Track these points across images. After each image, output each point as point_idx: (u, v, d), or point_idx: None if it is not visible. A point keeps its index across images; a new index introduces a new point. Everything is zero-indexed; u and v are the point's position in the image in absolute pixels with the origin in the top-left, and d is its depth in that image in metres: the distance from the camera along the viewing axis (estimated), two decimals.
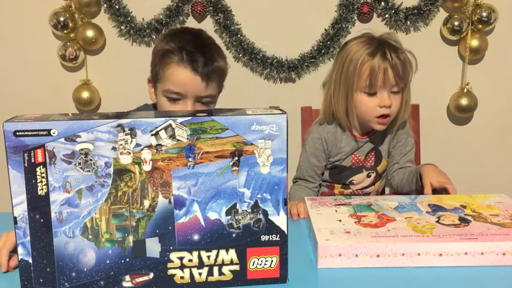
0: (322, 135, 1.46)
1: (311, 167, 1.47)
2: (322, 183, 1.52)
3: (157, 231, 0.81)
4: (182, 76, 1.19)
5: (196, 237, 0.82)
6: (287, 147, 0.81)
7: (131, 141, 0.77)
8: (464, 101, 2.10)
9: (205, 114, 0.80)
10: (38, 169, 0.76)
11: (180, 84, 1.19)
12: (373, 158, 1.47)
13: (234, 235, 0.83)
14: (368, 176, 1.48)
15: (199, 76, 1.18)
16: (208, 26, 2.11)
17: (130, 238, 0.81)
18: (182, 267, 0.83)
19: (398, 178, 1.46)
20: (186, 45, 1.20)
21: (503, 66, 2.16)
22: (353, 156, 1.46)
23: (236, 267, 0.84)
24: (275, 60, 2.10)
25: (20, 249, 0.79)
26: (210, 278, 0.84)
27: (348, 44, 1.41)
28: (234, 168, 0.80)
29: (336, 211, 1.07)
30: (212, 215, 0.81)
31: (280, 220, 0.83)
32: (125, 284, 0.82)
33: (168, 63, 1.20)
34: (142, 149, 0.78)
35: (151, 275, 0.82)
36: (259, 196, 0.82)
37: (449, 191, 1.24)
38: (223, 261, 0.84)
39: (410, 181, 1.39)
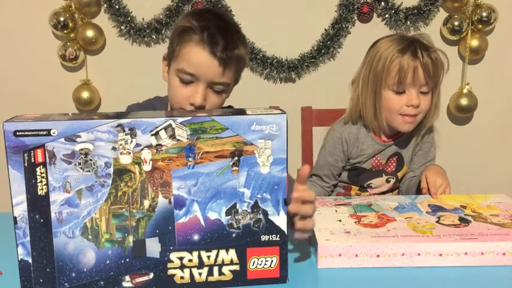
0: (344, 135, 1.43)
1: (327, 166, 1.45)
2: (339, 183, 1.50)
3: (157, 231, 0.81)
4: (199, 57, 1.11)
5: (196, 237, 0.82)
6: (287, 147, 0.81)
7: (131, 141, 0.77)
8: (464, 101, 2.10)
9: (205, 114, 0.80)
10: (38, 169, 0.76)
11: (196, 65, 1.12)
12: (394, 163, 1.44)
13: (234, 235, 0.83)
14: (387, 181, 1.45)
15: (217, 60, 1.11)
16: None
17: (130, 238, 0.81)
18: (182, 267, 0.83)
19: (407, 183, 1.44)
20: (208, 25, 1.13)
21: (503, 66, 2.16)
22: (374, 159, 1.43)
23: (236, 267, 0.84)
24: (275, 60, 2.10)
25: (19, 249, 0.79)
26: (210, 278, 0.84)
27: (378, 42, 1.38)
28: (234, 168, 0.80)
29: (336, 211, 1.07)
30: (212, 215, 0.81)
31: (280, 220, 0.83)
32: (124, 284, 0.82)
33: (186, 41, 1.13)
34: (142, 149, 0.78)
35: (151, 275, 0.82)
36: (259, 196, 0.82)
37: (432, 193, 1.20)
38: (223, 261, 0.83)
39: (413, 184, 1.39)
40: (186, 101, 1.14)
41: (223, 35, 1.12)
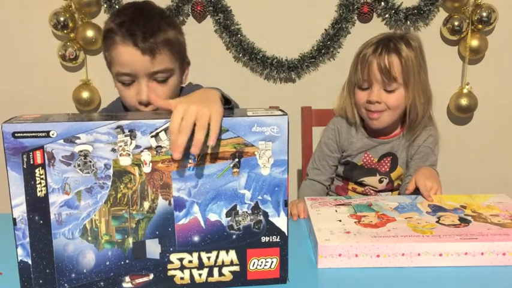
0: (337, 125, 1.48)
1: (323, 156, 1.49)
2: (338, 177, 1.53)
3: (157, 232, 0.81)
4: (126, 54, 1.10)
5: (196, 238, 0.82)
6: (288, 148, 0.81)
7: (131, 143, 0.77)
8: (464, 101, 2.10)
9: None
10: (37, 170, 0.76)
11: (127, 64, 1.11)
12: (388, 164, 1.44)
13: (234, 236, 0.83)
14: (380, 181, 1.46)
15: (141, 50, 1.09)
16: (208, 26, 2.11)
17: (130, 240, 0.81)
18: (182, 268, 0.83)
19: (403, 185, 1.44)
20: (124, 20, 1.12)
21: (503, 66, 2.15)
22: (365, 155, 1.45)
23: (236, 268, 0.84)
24: (275, 60, 2.10)
25: (19, 251, 0.79)
26: (210, 279, 0.84)
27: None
28: (235, 169, 0.80)
29: (336, 211, 1.07)
30: (212, 217, 0.81)
31: (280, 221, 0.83)
32: (124, 284, 0.82)
33: (111, 45, 1.12)
34: (142, 151, 0.78)
35: (151, 276, 0.82)
36: (259, 197, 0.82)
37: (425, 196, 1.18)
38: (223, 262, 0.83)
39: (404, 184, 1.39)
40: (135, 102, 1.14)
41: (142, 24, 1.10)
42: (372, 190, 1.47)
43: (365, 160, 1.45)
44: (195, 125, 0.77)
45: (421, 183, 1.21)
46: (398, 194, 1.47)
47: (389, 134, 1.44)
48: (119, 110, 1.27)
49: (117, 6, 2.04)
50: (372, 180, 1.46)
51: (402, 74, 1.33)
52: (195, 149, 0.76)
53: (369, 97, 1.35)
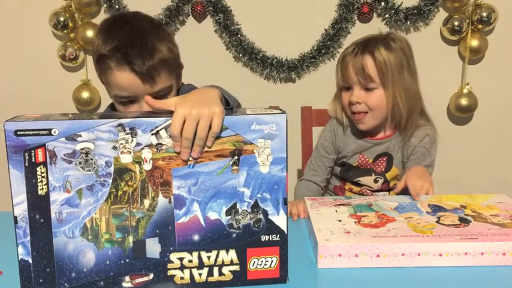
0: (334, 127, 1.50)
1: (319, 157, 1.51)
2: (335, 177, 1.54)
3: (158, 231, 0.81)
4: (123, 79, 1.09)
5: (196, 237, 0.82)
6: (287, 146, 0.81)
7: (132, 141, 0.77)
8: (464, 101, 2.10)
9: None
10: (38, 169, 0.76)
11: (125, 88, 1.11)
12: (384, 164, 1.45)
13: (234, 235, 0.83)
14: (375, 181, 1.46)
15: (140, 77, 1.08)
16: (208, 26, 2.11)
17: (130, 238, 0.81)
18: (182, 267, 0.83)
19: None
20: (118, 44, 1.09)
21: (503, 66, 2.16)
22: (360, 156, 1.46)
23: (236, 268, 0.84)
24: (275, 60, 2.10)
25: (20, 249, 0.79)
26: (210, 279, 0.84)
27: None
28: (234, 167, 0.80)
29: (336, 211, 1.07)
30: (212, 215, 0.81)
31: (280, 220, 0.83)
32: (124, 284, 0.82)
33: (106, 69, 1.11)
34: (142, 148, 0.78)
35: (151, 276, 0.82)
36: (259, 196, 0.82)
37: (413, 195, 1.17)
38: (223, 261, 0.83)
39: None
40: None
41: (137, 48, 1.08)
42: (368, 190, 1.48)
43: (360, 161, 1.46)
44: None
45: (411, 183, 1.21)
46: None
47: (384, 135, 1.45)
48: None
49: (117, 7, 2.05)
50: (367, 180, 1.47)
51: (378, 74, 1.35)
52: (195, 154, 0.79)
53: (350, 98, 1.38)
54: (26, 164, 0.76)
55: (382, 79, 1.34)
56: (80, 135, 0.76)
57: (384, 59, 1.34)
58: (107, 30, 1.15)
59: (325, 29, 2.08)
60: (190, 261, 0.83)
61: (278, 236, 0.84)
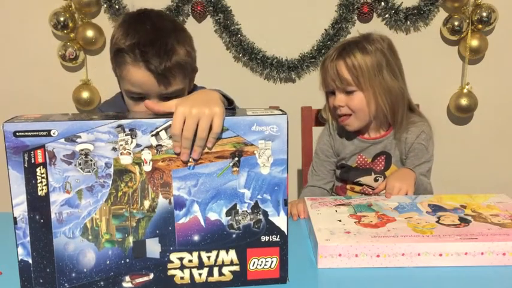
0: (330, 130, 1.51)
1: (320, 162, 1.52)
2: (336, 179, 1.55)
3: (158, 231, 0.81)
4: (138, 76, 1.10)
5: (196, 237, 0.82)
6: (287, 147, 0.81)
7: (131, 142, 0.77)
8: (464, 101, 2.10)
9: None
10: (38, 169, 0.76)
11: (138, 85, 1.11)
12: (383, 162, 1.45)
13: (234, 236, 0.83)
14: (375, 180, 1.46)
15: (155, 76, 1.09)
16: (208, 26, 2.11)
17: (131, 239, 0.81)
18: (182, 267, 0.83)
19: None
20: (138, 40, 1.09)
21: (503, 66, 2.16)
22: (359, 157, 1.46)
23: (236, 268, 0.84)
24: (275, 60, 2.10)
25: (19, 250, 0.79)
26: (210, 279, 0.84)
27: None
28: (234, 168, 0.80)
29: (336, 211, 1.08)
30: (212, 216, 0.81)
31: (280, 221, 0.83)
32: (124, 284, 0.82)
33: (122, 63, 1.11)
34: (142, 150, 0.78)
35: (152, 276, 0.82)
36: (259, 197, 0.82)
37: (386, 195, 1.20)
38: (223, 261, 0.83)
39: None
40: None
41: (156, 47, 1.08)
42: (369, 189, 1.48)
43: (359, 162, 1.47)
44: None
45: (389, 185, 1.24)
46: None
47: (380, 134, 1.46)
48: (121, 103, 1.27)
49: (117, 7, 2.05)
50: (367, 180, 1.47)
51: (352, 79, 1.36)
52: (195, 155, 0.79)
53: (333, 102, 1.40)
54: (26, 165, 0.76)
55: (358, 83, 1.36)
56: (80, 136, 0.76)
57: (358, 63, 1.35)
58: (129, 24, 1.14)
59: (325, 29, 2.08)
60: (190, 261, 0.83)
61: (278, 236, 0.84)
